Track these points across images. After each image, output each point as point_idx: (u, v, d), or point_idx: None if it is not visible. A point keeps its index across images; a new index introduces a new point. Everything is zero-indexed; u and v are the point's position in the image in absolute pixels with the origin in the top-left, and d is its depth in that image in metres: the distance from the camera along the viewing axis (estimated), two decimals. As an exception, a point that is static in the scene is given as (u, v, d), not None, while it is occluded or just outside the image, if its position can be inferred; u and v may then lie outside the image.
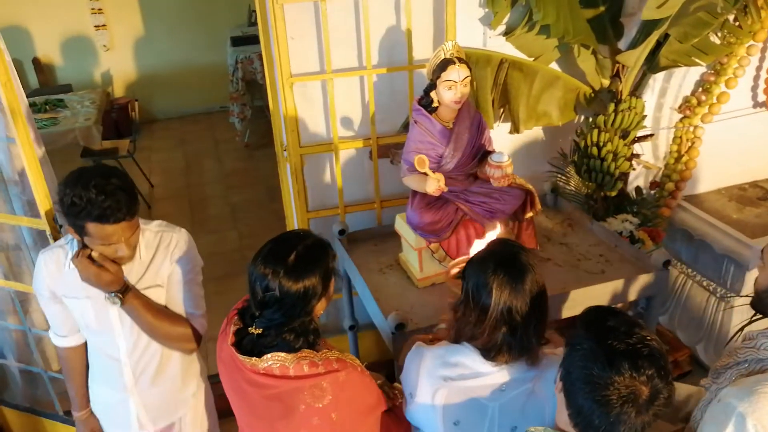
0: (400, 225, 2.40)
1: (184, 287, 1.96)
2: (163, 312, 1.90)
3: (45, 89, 5.80)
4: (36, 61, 6.20)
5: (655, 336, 1.23)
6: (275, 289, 1.44)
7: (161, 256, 1.90)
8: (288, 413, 1.46)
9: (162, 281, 1.91)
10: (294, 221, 2.81)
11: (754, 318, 2.47)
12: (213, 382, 2.94)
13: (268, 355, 1.45)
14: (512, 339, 1.42)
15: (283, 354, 1.45)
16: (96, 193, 1.62)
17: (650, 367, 1.16)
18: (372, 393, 1.56)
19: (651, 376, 1.16)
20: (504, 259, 1.44)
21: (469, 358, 1.47)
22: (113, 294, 1.77)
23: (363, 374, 1.54)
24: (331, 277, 1.55)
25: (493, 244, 1.54)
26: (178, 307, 1.97)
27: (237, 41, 5.88)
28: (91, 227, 1.66)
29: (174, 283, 1.94)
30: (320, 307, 1.55)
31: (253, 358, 1.46)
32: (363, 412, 1.53)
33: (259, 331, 1.47)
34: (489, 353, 1.45)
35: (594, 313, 1.30)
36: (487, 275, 1.42)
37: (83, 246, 1.75)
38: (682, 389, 1.68)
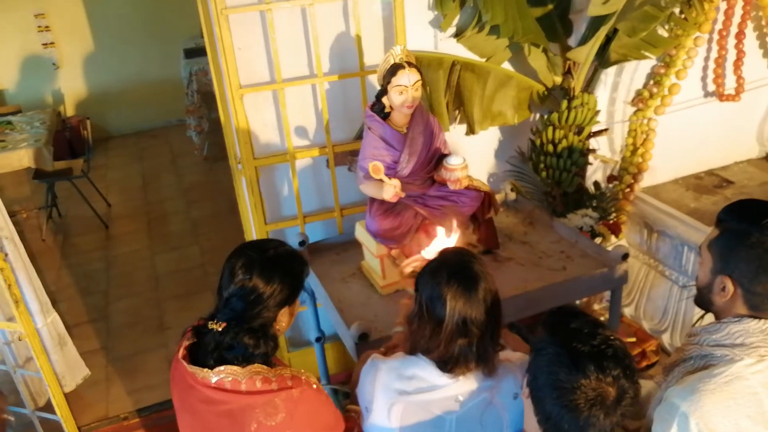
0: (361, 233, 2.38)
1: None
2: None
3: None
4: (-19, 82, 6.03)
5: (618, 336, 1.22)
6: (246, 278, 1.46)
7: None
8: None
9: None
10: (253, 234, 2.75)
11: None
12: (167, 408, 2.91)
13: (221, 368, 1.42)
14: (469, 350, 1.40)
15: (235, 367, 1.42)
16: None
17: (616, 368, 1.15)
18: (329, 411, 1.52)
19: (617, 377, 1.15)
20: (456, 269, 1.41)
21: (425, 371, 1.44)
22: None
23: (319, 392, 1.51)
24: (299, 289, 1.56)
25: (443, 254, 1.51)
26: None
27: (190, 53, 5.78)
28: None
29: None
30: (282, 320, 1.53)
31: (204, 370, 1.43)
32: (319, 430, 1.49)
33: (222, 326, 1.44)
34: (446, 365, 1.42)
35: (556, 315, 1.28)
36: (440, 286, 1.39)
37: None
38: (647, 386, 1.68)
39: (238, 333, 1.45)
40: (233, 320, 1.45)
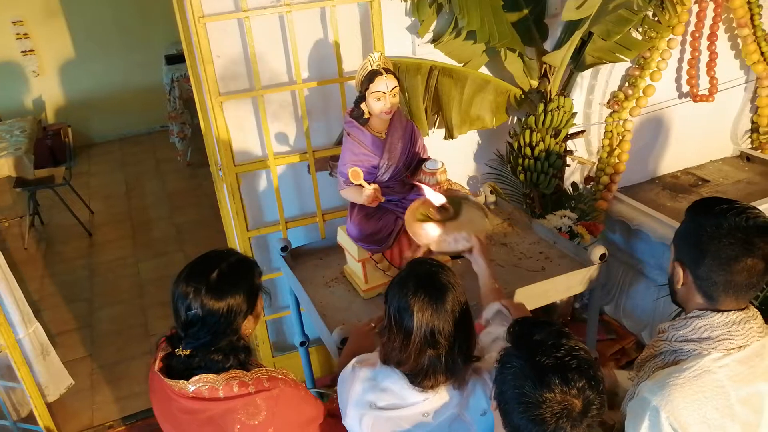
0: (342, 237, 2.39)
1: None
2: None
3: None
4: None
5: (583, 345, 1.23)
6: (197, 308, 1.43)
7: None
8: None
9: None
10: (235, 240, 2.76)
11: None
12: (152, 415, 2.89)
13: (196, 377, 1.42)
14: (438, 361, 1.40)
15: (211, 375, 1.43)
16: None
17: (580, 379, 1.15)
18: (309, 404, 1.54)
19: (582, 389, 1.15)
20: (423, 280, 1.41)
21: (397, 385, 1.45)
22: None
23: (297, 387, 1.53)
24: (257, 294, 1.55)
25: (411, 265, 1.50)
26: None
27: (172, 59, 5.79)
28: None
29: None
30: (248, 326, 1.54)
31: (181, 381, 1.43)
32: (301, 425, 1.51)
33: (187, 352, 1.45)
34: (416, 378, 1.42)
35: (520, 327, 1.28)
36: (407, 298, 1.39)
37: None
38: (623, 377, 1.70)
39: (206, 354, 1.45)
40: (198, 348, 1.45)
